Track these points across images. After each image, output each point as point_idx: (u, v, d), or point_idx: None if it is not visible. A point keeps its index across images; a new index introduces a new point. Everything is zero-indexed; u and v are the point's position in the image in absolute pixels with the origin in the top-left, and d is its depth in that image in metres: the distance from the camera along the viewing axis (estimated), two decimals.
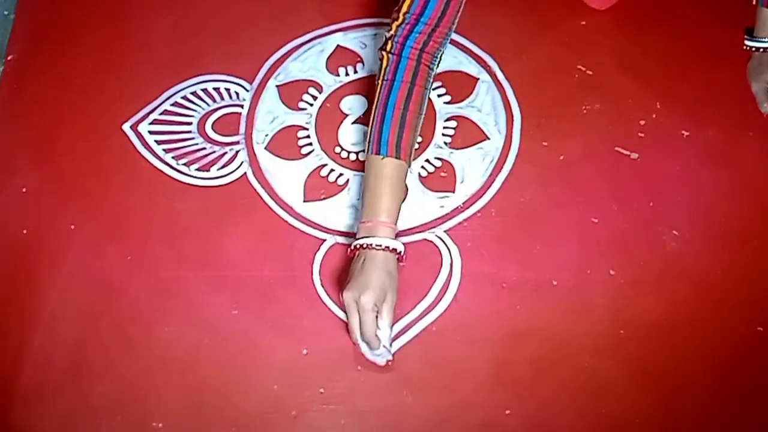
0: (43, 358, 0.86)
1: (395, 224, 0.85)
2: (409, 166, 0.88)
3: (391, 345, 0.83)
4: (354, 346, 0.83)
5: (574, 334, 0.85)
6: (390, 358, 0.83)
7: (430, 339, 0.85)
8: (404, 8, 0.85)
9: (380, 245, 0.82)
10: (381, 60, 0.87)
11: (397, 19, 0.86)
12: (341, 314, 0.87)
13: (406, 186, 0.94)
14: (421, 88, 0.86)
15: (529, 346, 0.84)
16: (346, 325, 0.83)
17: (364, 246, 0.82)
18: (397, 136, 0.85)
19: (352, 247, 0.84)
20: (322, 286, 0.89)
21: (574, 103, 1.00)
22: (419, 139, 0.98)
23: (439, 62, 0.89)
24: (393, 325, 0.84)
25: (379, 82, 0.87)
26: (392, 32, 0.86)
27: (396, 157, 0.85)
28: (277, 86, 1.04)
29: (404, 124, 0.85)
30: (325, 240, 0.92)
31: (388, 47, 0.86)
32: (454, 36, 1.06)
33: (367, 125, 0.94)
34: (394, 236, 0.84)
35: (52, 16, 1.12)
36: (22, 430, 0.82)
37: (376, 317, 0.81)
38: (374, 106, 0.87)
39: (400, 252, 0.84)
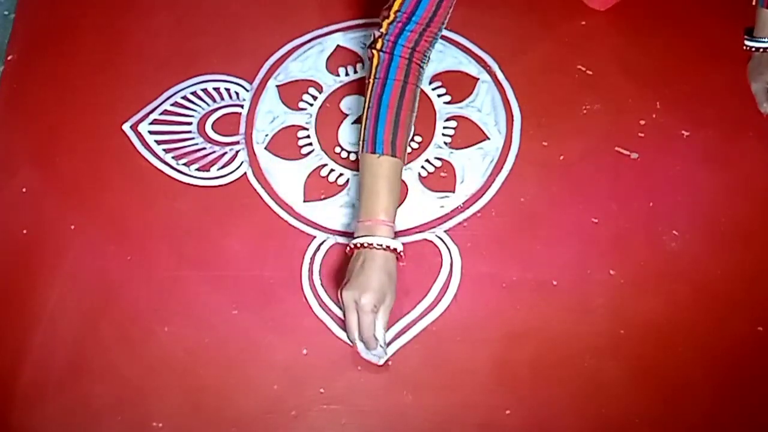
0: (43, 358, 0.86)
1: (393, 223, 0.85)
2: (404, 164, 0.88)
3: (387, 346, 0.83)
4: (351, 346, 0.84)
5: (574, 334, 0.85)
6: (386, 358, 0.83)
7: (430, 339, 0.85)
8: (395, 6, 0.85)
9: (380, 245, 0.82)
10: (371, 58, 0.87)
11: (387, 17, 0.86)
12: (341, 314, 0.87)
13: (405, 184, 0.94)
14: (413, 86, 0.87)
15: (529, 346, 0.84)
16: (344, 323, 0.83)
17: (364, 245, 0.82)
18: (392, 135, 0.85)
19: (351, 246, 0.84)
20: (322, 286, 0.89)
21: (574, 103, 1.00)
22: (419, 139, 0.98)
23: (428, 60, 0.89)
24: (391, 326, 0.85)
25: (371, 80, 0.87)
26: (383, 30, 0.86)
27: (392, 156, 0.85)
28: (277, 86, 1.04)
29: (399, 122, 0.85)
30: (325, 240, 0.92)
31: (379, 45, 0.86)
32: (454, 36, 1.06)
33: None
34: (393, 236, 0.84)
35: (52, 16, 1.12)
36: (22, 430, 0.82)
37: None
38: (366, 105, 0.87)
39: (400, 252, 0.84)
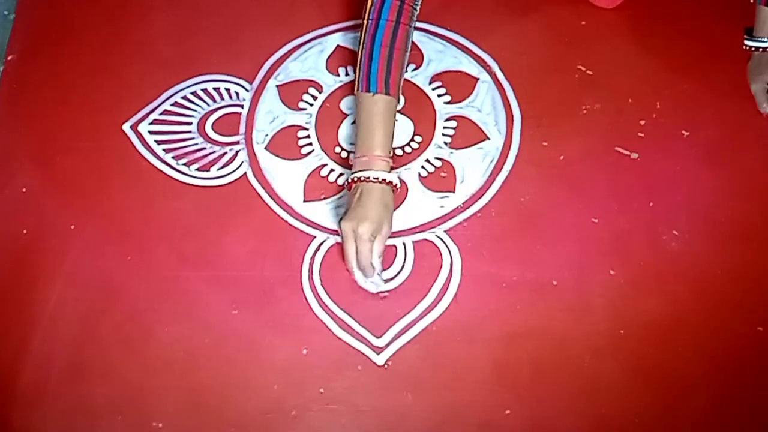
0: (43, 358, 0.86)
1: (390, 158, 0.88)
2: (399, 100, 0.91)
3: (383, 275, 0.86)
4: (350, 274, 0.85)
5: (574, 334, 0.85)
6: (383, 287, 0.86)
7: (430, 339, 0.85)
8: None
9: (377, 178, 0.86)
10: (366, 0, 0.90)
11: None
12: (341, 314, 0.87)
13: (405, 184, 0.94)
14: (406, 26, 0.89)
15: (529, 346, 0.84)
16: (342, 254, 0.86)
17: (361, 179, 0.86)
18: (386, 73, 0.88)
19: (349, 180, 0.87)
20: (322, 286, 0.89)
21: (574, 103, 1.00)
22: (419, 139, 0.98)
23: (421, 4, 0.91)
24: (391, 326, 0.85)
25: (364, 21, 0.89)
26: None
27: (386, 93, 0.88)
28: (277, 86, 1.04)
29: (391, 61, 0.88)
30: (325, 240, 0.92)
31: None
32: (454, 36, 1.06)
33: None
34: (389, 169, 0.88)
35: (52, 16, 1.12)
36: (22, 430, 0.82)
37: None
38: (360, 45, 0.90)
39: (396, 184, 0.88)
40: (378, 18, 0.88)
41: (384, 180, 0.86)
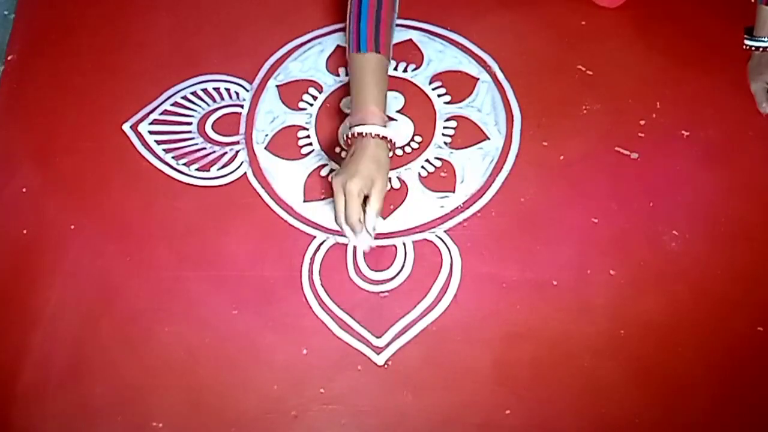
0: (43, 358, 0.86)
1: (384, 114, 0.89)
2: (389, 61, 0.92)
3: (374, 231, 0.86)
4: (340, 232, 0.86)
5: (574, 334, 0.85)
6: (372, 244, 0.86)
7: (430, 339, 0.85)
8: None
9: (370, 133, 0.86)
10: None
11: None
12: (341, 314, 0.87)
13: (405, 184, 0.94)
14: None
15: (529, 346, 0.84)
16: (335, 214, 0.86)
17: (356, 135, 0.87)
18: (375, 32, 0.90)
19: (347, 137, 0.88)
20: (322, 286, 0.89)
21: (574, 103, 1.00)
22: (419, 139, 0.98)
23: None
24: (391, 326, 0.85)
25: None
26: None
27: (376, 52, 0.89)
28: (277, 86, 1.04)
29: (380, 20, 0.90)
30: (325, 240, 0.92)
31: None
32: (454, 36, 1.06)
33: None
34: (384, 125, 0.88)
35: (52, 16, 1.12)
36: (22, 430, 0.82)
37: (364, 203, 0.84)
38: (348, 10, 0.91)
39: (390, 139, 0.88)
40: None
41: (378, 135, 0.86)
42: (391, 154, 0.89)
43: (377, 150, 0.86)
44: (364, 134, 0.86)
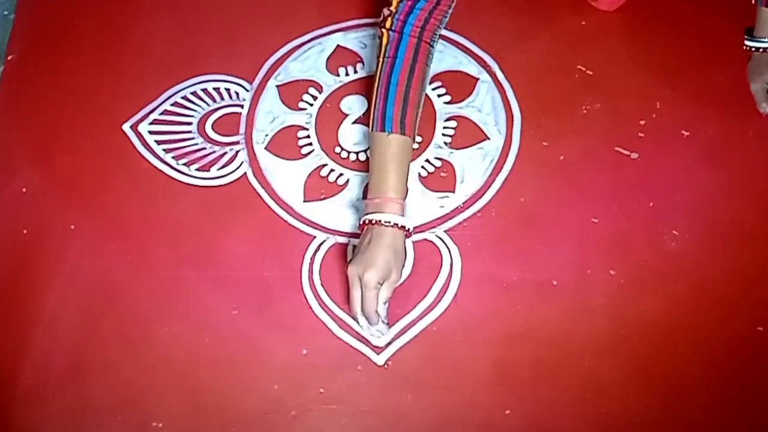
0: (43, 358, 0.86)
1: (403, 201, 0.85)
2: (413, 142, 0.88)
3: (388, 324, 0.83)
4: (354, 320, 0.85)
5: (574, 334, 0.85)
6: (387, 336, 0.84)
7: (430, 339, 0.85)
8: None
9: (388, 222, 0.82)
10: (380, 38, 0.88)
11: None
12: (341, 314, 0.87)
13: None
14: (423, 65, 0.87)
15: (529, 346, 0.84)
16: (348, 299, 0.84)
17: (373, 222, 0.83)
18: (402, 113, 0.85)
19: (361, 223, 0.85)
20: (322, 286, 0.89)
21: (574, 103, 1.00)
22: (419, 139, 0.98)
23: (438, 39, 0.90)
24: (391, 326, 0.85)
25: (381, 60, 0.88)
26: (393, 8, 0.86)
27: (401, 134, 0.85)
28: (277, 86, 1.04)
29: (408, 101, 0.86)
30: (325, 240, 0.92)
31: (388, 24, 0.87)
32: (454, 36, 1.06)
33: (367, 125, 0.94)
34: (402, 213, 0.84)
35: (52, 16, 1.12)
36: (22, 430, 0.82)
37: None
38: (376, 84, 0.87)
39: (408, 229, 0.84)
40: (395, 56, 0.86)
41: (396, 224, 0.82)
42: (405, 241, 0.85)
43: (394, 239, 0.82)
44: (382, 222, 0.82)
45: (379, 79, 0.87)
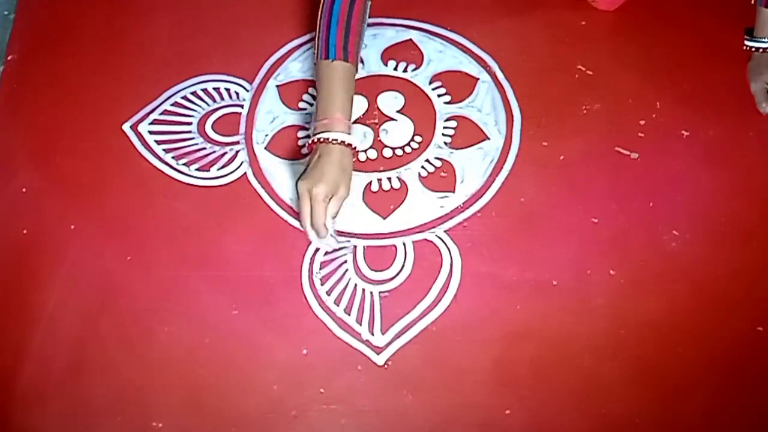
0: (43, 358, 0.86)
1: (350, 121, 0.90)
2: (357, 69, 0.92)
3: (336, 237, 0.88)
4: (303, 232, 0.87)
5: (574, 334, 0.85)
6: (335, 245, 0.88)
7: (430, 339, 0.85)
8: None
9: (336, 140, 0.87)
10: None
11: None
12: (341, 314, 0.87)
13: (404, 184, 0.94)
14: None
15: (529, 346, 0.84)
16: (298, 214, 0.88)
17: (321, 140, 0.87)
18: (344, 40, 0.90)
19: (310, 142, 0.89)
20: (322, 286, 0.89)
21: (574, 103, 1.00)
22: (419, 139, 0.98)
23: None
24: (391, 326, 0.85)
25: None
26: None
27: (344, 60, 0.90)
28: (277, 86, 1.04)
29: (349, 29, 0.90)
30: None
31: None
32: (454, 36, 1.06)
33: (367, 125, 0.94)
34: (349, 132, 0.89)
35: (52, 16, 1.12)
36: (22, 430, 0.82)
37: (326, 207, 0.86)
38: (319, 17, 0.91)
39: (355, 147, 0.89)
40: None
41: (343, 142, 0.87)
42: (354, 159, 0.90)
43: (342, 156, 0.87)
44: (330, 140, 0.87)
45: (321, 11, 0.91)
